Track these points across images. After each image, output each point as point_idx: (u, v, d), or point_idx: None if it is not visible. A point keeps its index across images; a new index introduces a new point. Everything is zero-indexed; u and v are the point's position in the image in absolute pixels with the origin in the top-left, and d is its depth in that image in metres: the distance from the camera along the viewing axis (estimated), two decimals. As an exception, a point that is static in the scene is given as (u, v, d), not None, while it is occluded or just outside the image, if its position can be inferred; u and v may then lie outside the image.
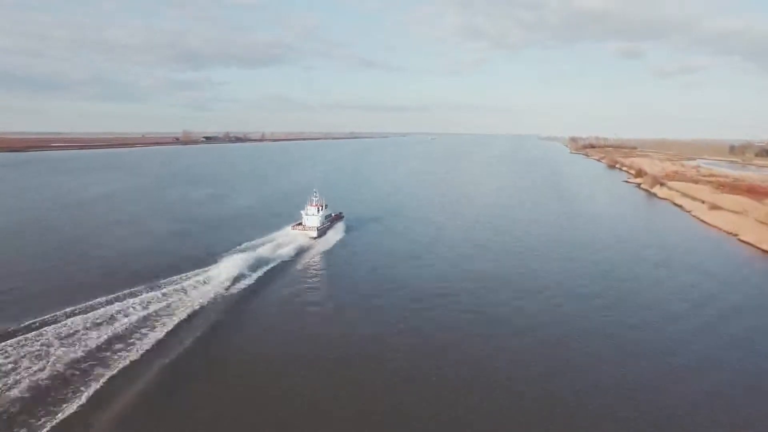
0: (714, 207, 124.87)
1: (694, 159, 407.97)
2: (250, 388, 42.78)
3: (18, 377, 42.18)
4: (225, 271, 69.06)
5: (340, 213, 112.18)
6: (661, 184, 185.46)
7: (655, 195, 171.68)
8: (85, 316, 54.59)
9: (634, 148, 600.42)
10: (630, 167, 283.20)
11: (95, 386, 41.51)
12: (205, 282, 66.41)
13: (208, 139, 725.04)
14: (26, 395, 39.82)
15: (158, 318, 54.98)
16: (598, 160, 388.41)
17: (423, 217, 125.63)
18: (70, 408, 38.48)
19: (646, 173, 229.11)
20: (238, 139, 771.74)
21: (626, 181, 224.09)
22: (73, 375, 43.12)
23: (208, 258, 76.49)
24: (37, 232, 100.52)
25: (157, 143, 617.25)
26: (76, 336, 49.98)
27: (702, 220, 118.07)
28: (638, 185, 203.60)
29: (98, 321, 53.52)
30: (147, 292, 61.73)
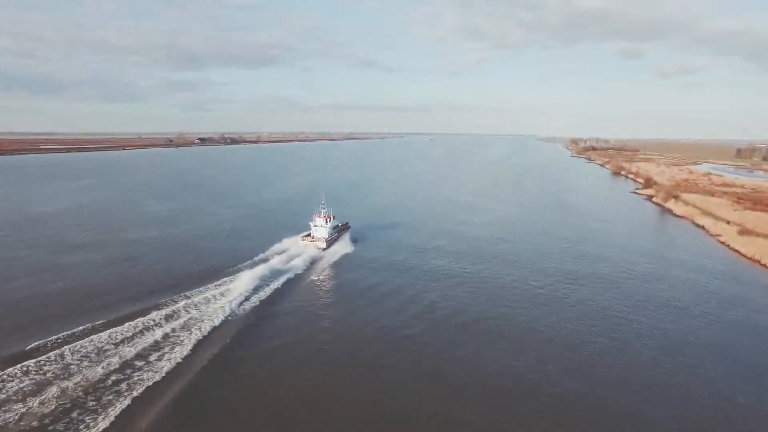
0: (744, 231, 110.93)
1: (700, 163, 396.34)
2: (267, 396, 46.06)
3: (23, 407, 42.81)
4: (242, 285, 72.44)
5: (347, 223, 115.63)
6: (676, 197, 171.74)
7: (670, 211, 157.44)
8: (105, 332, 56.39)
9: (637, 150, 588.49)
10: (637, 174, 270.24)
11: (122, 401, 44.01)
12: (222, 295, 69.22)
13: (203, 141, 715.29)
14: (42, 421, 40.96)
15: (179, 333, 57.21)
16: (602, 165, 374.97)
17: (421, 226, 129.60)
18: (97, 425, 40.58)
19: (655, 183, 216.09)
20: (233, 141, 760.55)
21: (635, 192, 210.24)
22: (93, 394, 44.87)
23: (225, 271, 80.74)
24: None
25: (150, 145, 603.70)
26: (98, 352, 52.14)
27: (734, 249, 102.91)
28: (649, 198, 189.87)
29: (124, 335, 56.02)
30: (167, 307, 64.22)
